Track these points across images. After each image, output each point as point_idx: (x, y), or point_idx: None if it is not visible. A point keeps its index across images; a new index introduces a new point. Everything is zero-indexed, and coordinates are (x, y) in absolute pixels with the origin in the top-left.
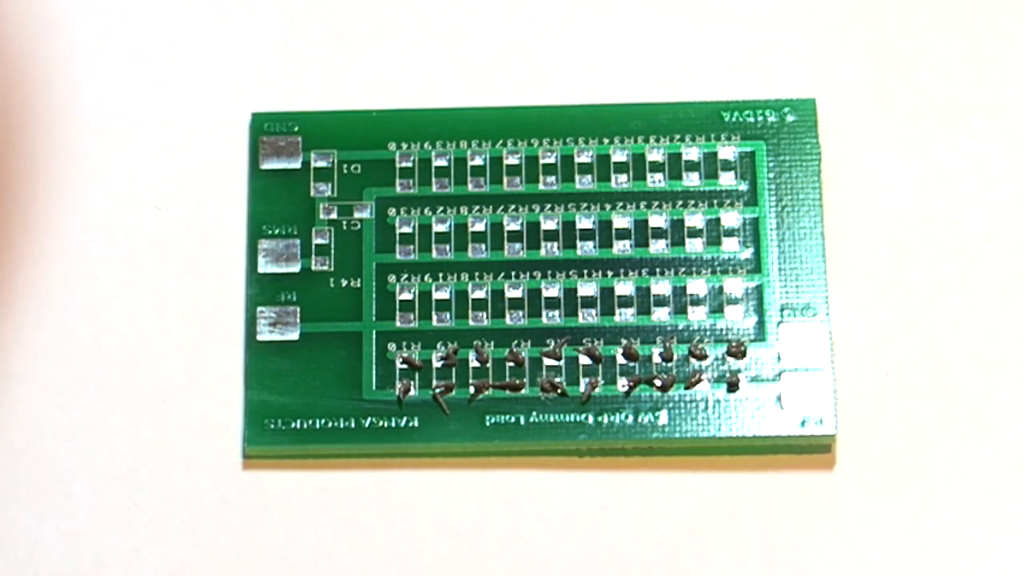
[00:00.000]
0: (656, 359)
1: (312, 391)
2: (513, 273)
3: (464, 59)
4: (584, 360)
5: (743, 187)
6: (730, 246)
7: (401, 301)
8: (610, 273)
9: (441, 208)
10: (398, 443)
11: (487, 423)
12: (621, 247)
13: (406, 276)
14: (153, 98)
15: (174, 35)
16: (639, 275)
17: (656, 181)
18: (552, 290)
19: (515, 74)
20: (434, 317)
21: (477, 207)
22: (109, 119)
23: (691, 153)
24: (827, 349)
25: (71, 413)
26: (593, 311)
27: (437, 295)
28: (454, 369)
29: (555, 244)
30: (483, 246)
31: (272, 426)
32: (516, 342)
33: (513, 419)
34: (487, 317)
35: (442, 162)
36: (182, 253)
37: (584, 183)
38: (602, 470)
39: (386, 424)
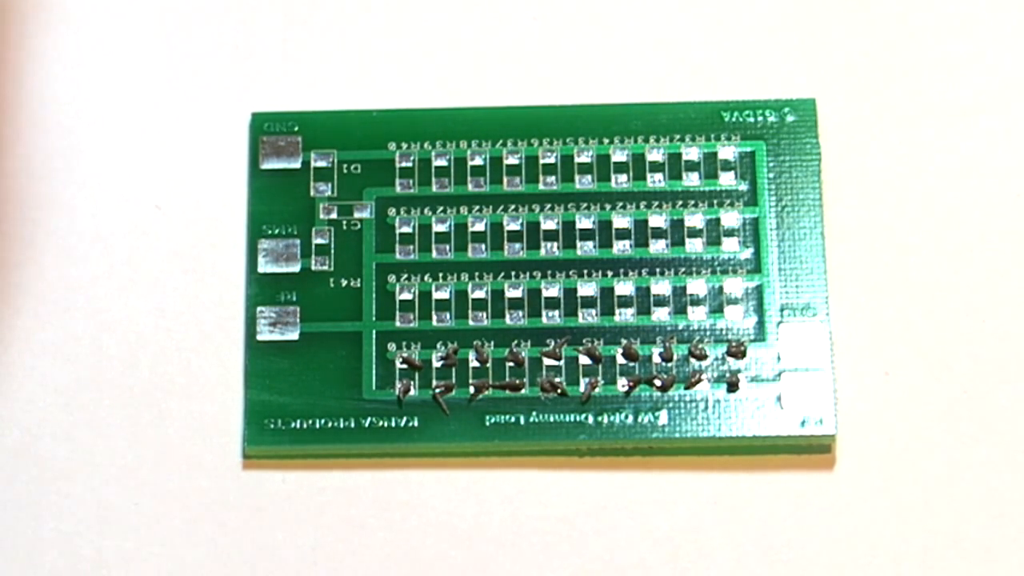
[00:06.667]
0: (656, 359)
1: (312, 391)
2: (513, 273)
3: (464, 59)
4: (584, 360)
5: (743, 187)
6: (730, 246)
7: (401, 301)
8: (610, 273)
9: (441, 208)
10: (398, 443)
11: (487, 423)
12: (621, 247)
13: (406, 276)
14: (153, 98)
15: (174, 35)
16: (639, 275)
17: (656, 181)
18: (552, 290)
19: (515, 74)
20: (434, 317)
21: (477, 207)
22: (109, 119)
23: (691, 153)
24: (827, 349)
25: (71, 413)
26: (593, 311)
27: (437, 295)
28: (454, 369)
29: (555, 244)
30: (483, 246)
31: (272, 426)
32: (516, 342)
33: (513, 419)
34: (487, 317)
35: (442, 162)
36: (182, 253)
37: (584, 183)
38: (602, 470)
39: (386, 424)
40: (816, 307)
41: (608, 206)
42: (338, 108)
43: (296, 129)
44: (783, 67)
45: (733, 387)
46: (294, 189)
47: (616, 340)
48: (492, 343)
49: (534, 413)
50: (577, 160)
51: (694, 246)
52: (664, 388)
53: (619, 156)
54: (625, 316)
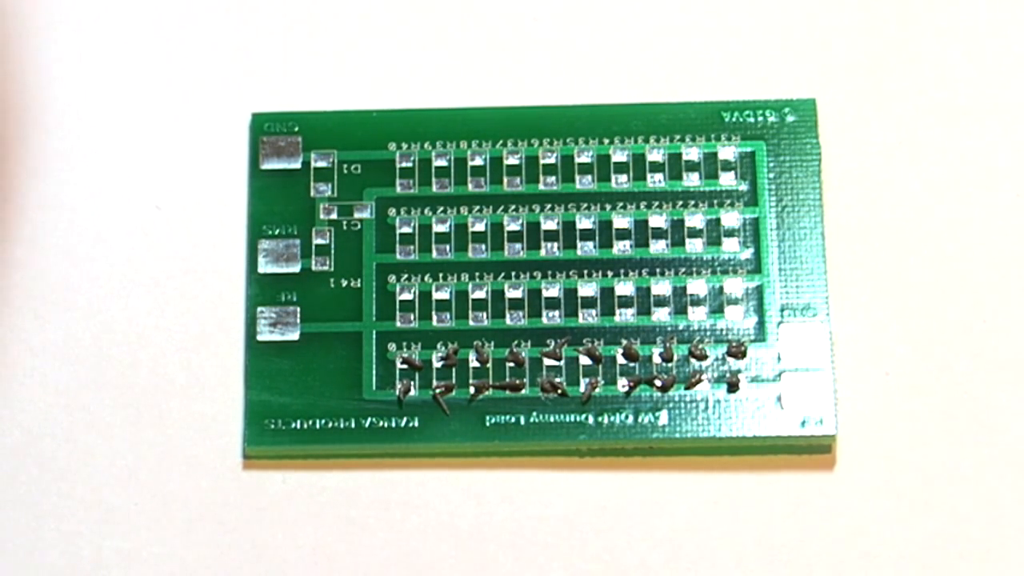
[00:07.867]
0: (656, 359)
1: (312, 391)
2: (513, 273)
3: (464, 59)
4: (584, 360)
5: (743, 187)
6: (730, 246)
7: (401, 301)
8: (610, 273)
9: (441, 208)
10: (398, 443)
11: (487, 423)
12: (621, 247)
13: (406, 276)
14: (153, 98)
15: (174, 35)
16: (639, 275)
17: (656, 181)
18: (552, 290)
19: (515, 74)
20: (434, 317)
21: (477, 207)
22: (109, 119)
23: (691, 153)
24: (827, 349)
25: (71, 413)
26: (593, 311)
27: (437, 295)
28: (454, 369)
29: (555, 244)
30: (483, 246)
31: (272, 426)
32: (516, 342)
33: (513, 419)
34: (487, 317)
35: (442, 162)
36: (182, 253)
37: (584, 183)
38: (602, 470)
39: (386, 424)
40: (816, 307)
41: (608, 206)
42: (338, 108)
43: (296, 129)
44: (783, 67)
45: (733, 387)
46: (294, 189)
47: (616, 340)
48: (492, 343)
49: (534, 413)
50: (577, 160)
51: (694, 246)
52: (664, 388)
53: (619, 156)
54: (625, 316)
